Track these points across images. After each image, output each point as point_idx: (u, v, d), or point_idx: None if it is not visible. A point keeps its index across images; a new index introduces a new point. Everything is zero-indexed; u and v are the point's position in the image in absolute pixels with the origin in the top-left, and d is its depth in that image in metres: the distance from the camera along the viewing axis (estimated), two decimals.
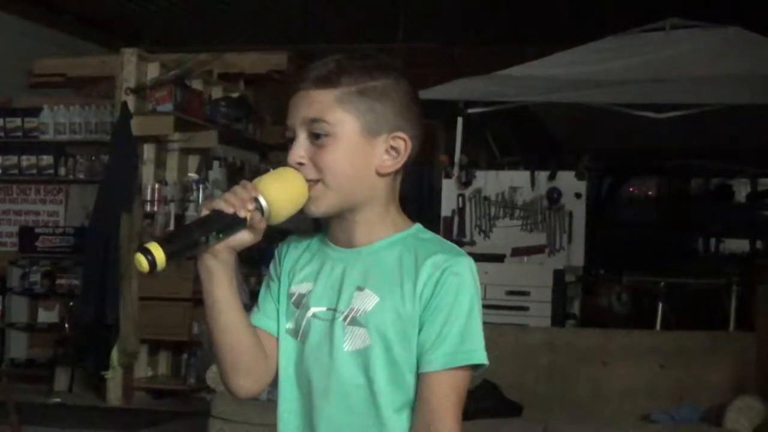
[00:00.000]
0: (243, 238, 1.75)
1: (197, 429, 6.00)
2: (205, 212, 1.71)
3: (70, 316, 8.97)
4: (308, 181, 1.77)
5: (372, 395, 1.78)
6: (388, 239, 1.83)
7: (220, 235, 1.71)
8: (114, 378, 8.22)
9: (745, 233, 11.48)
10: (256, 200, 1.72)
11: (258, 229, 1.74)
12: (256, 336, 1.84)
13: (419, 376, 1.77)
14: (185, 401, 8.24)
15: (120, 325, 8.09)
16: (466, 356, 1.75)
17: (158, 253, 1.63)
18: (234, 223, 1.71)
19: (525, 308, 7.57)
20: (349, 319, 1.79)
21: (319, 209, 1.80)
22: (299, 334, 1.84)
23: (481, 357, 1.77)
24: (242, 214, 1.70)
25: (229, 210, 1.70)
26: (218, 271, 1.77)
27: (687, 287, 8.61)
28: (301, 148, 1.79)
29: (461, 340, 1.75)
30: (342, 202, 1.80)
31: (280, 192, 1.75)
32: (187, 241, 1.71)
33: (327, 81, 1.78)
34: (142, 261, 1.63)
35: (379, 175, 1.81)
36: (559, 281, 7.73)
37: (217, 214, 1.70)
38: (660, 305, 7.89)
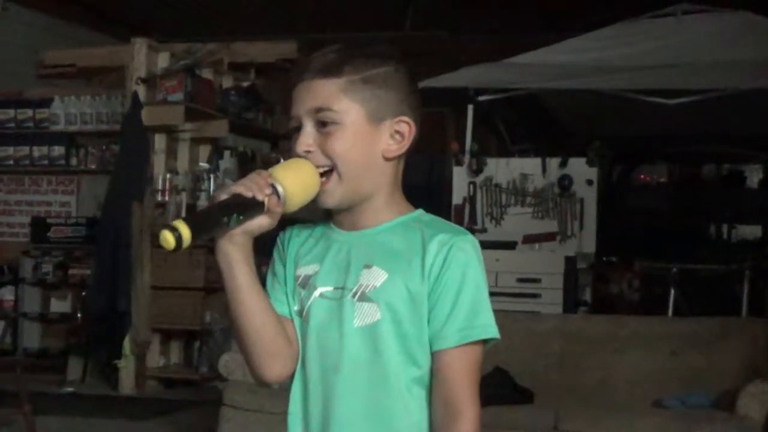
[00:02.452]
0: (261, 222, 1.77)
1: (209, 417, 6.02)
2: (224, 196, 1.74)
3: (82, 306, 8.98)
4: (319, 167, 1.81)
5: (383, 370, 1.80)
6: (393, 221, 1.87)
7: (240, 218, 1.75)
8: (126, 367, 8.25)
9: (757, 219, 11.45)
10: (272, 186, 1.76)
11: (275, 214, 1.77)
12: (279, 320, 1.86)
13: (434, 355, 1.79)
14: (197, 390, 8.26)
15: (132, 315, 8.12)
16: (480, 330, 1.78)
17: (184, 230, 1.65)
18: (253, 206, 1.75)
19: (536, 295, 7.57)
20: (358, 295, 1.81)
21: (333, 201, 1.84)
22: (303, 314, 1.87)
23: (494, 331, 1.80)
24: (260, 197, 1.74)
25: (248, 194, 1.73)
26: (237, 256, 1.79)
27: (699, 273, 8.61)
28: (309, 137, 1.82)
29: (474, 315, 1.78)
30: (354, 192, 1.84)
31: (293, 179, 1.78)
32: (210, 220, 1.74)
33: (330, 71, 1.82)
34: (168, 237, 1.65)
35: (386, 159, 1.85)
36: (571, 268, 7.72)
37: (237, 197, 1.74)
38: (672, 292, 7.89)
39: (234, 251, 1.78)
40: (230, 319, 1.86)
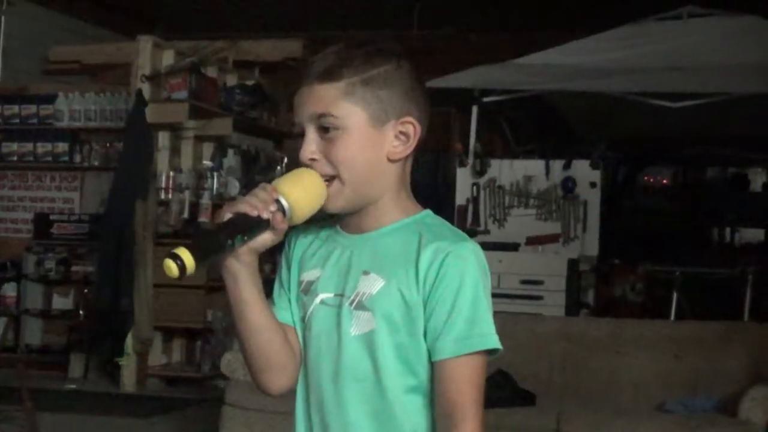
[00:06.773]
0: (265, 239, 1.75)
1: (211, 416, 6.02)
2: (228, 215, 1.71)
3: (85, 303, 8.99)
4: (323, 176, 1.78)
5: (379, 379, 1.77)
6: (396, 224, 1.82)
7: (245, 238, 1.72)
8: (128, 365, 8.25)
9: (760, 222, 11.45)
10: (278, 201, 1.73)
11: (280, 230, 1.75)
12: (283, 333, 1.85)
13: (433, 365, 1.75)
14: (199, 388, 8.26)
15: (134, 312, 8.12)
16: (478, 341, 1.73)
17: (187, 258, 1.63)
18: (258, 225, 1.72)
19: (539, 297, 7.56)
20: (355, 303, 1.78)
21: (336, 206, 1.80)
22: (306, 321, 1.85)
23: (494, 341, 1.74)
24: (265, 215, 1.71)
25: (253, 212, 1.70)
26: (243, 274, 1.77)
27: (702, 277, 8.58)
28: (312, 144, 1.79)
29: (471, 324, 1.72)
30: (358, 197, 1.80)
31: (299, 193, 1.75)
32: (214, 244, 1.71)
33: (329, 75, 1.77)
34: (172, 267, 1.63)
35: (391, 161, 1.81)
36: (574, 270, 7.71)
37: (241, 217, 1.71)
38: (675, 295, 7.87)
39: (241, 270, 1.77)
40: (236, 334, 1.85)
